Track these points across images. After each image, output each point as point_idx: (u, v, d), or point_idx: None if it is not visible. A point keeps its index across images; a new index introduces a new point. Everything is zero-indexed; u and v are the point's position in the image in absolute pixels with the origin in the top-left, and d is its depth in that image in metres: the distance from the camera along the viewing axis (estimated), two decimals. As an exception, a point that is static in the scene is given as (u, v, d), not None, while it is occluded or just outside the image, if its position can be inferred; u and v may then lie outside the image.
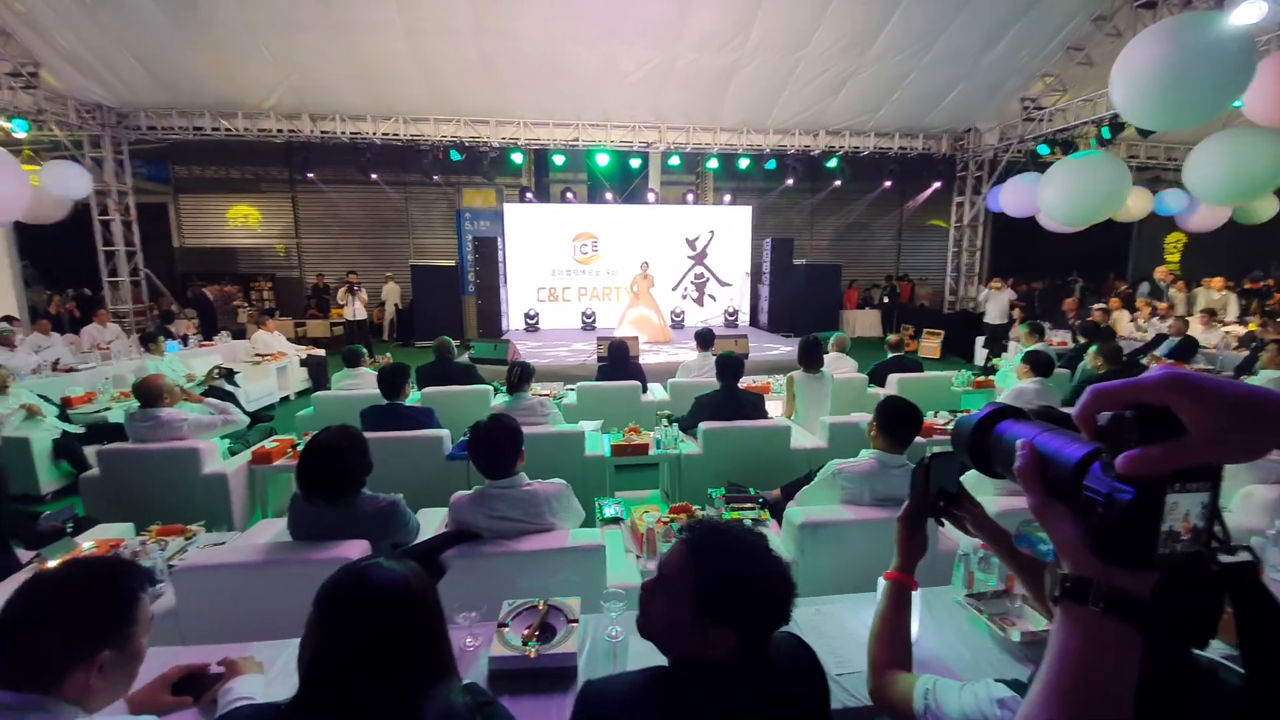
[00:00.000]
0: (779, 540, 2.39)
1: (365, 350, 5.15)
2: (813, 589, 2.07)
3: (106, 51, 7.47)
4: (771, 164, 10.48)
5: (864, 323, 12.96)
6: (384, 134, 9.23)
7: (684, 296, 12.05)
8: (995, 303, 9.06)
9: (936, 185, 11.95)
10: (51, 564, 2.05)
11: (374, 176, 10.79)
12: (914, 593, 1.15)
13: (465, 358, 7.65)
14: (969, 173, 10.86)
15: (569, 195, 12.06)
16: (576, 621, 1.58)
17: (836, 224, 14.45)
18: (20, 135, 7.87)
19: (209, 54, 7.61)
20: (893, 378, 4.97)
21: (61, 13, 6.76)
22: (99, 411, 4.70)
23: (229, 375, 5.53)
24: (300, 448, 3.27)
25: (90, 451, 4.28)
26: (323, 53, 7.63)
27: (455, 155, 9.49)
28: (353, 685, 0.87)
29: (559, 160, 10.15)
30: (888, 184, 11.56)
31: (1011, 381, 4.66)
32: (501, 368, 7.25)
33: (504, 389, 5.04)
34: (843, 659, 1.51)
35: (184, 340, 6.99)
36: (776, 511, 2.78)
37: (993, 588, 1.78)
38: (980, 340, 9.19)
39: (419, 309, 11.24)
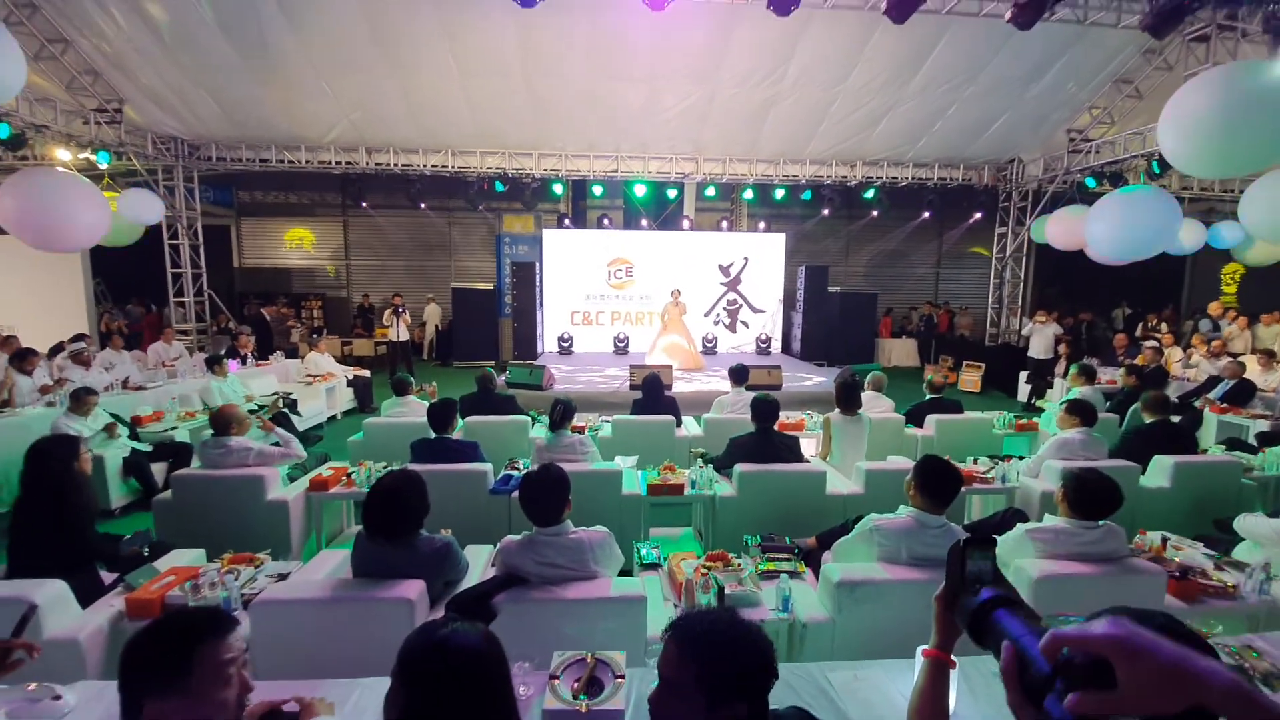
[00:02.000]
0: (815, 594, 2.41)
1: (411, 378, 5.37)
2: (850, 652, 2.10)
3: (184, 89, 8.08)
4: (807, 195, 10.54)
5: (900, 352, 12.75)
6: (433, 165, 9.67)
7: (716, 322, 12.11)
8: (1040, 337, 8.83)
9: (977, 216, 11.80)
10: (146, 586, 2.24)
11: (422, 205, 11.28)
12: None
13: (501, 380, 7.89)
14: (1012, 203, 10.69)
15: (605, 221, 12.34)
16: (623, 677, 1.65)
17: (873, 251, 14.31)
18: (103, 166, 8.55)
19: (276, 92, 8.17)
20: (931, 419, 4.91)
21: (145, 53, 7.36)
22: (166, 430, 5.02)
23: (293, 405, 5.83)
24: (354, 475, 3.46)
25: (157, 469, 4.60)
26: (380, 91, 8.10)
27: (499, 186, 9.87)
28: None
29: (597, 190, 10.44)
30: (926, 215, 11.46)
31: (1056, 427, 4.55)
32: (537, 393, 7.49)
33: (541, 418, 5.22)
34: (883, 730, 1.54)
35: (242, 360, 7.39)
36: (812, 561, 2.80)
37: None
38: (1024, 375, 8.95)
39: (458, 330, 11.60)
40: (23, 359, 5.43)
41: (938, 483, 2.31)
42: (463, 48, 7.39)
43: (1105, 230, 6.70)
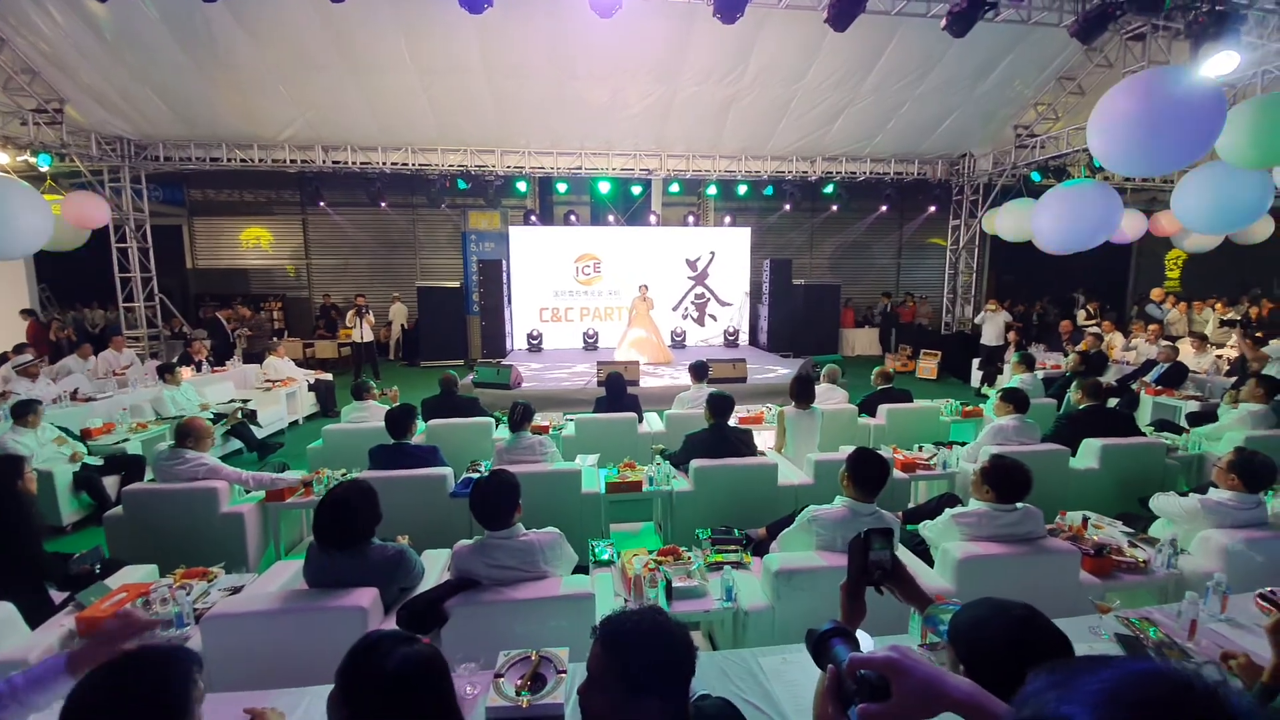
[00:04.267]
0: (758, 583, 2.54)
1: (373, 382, 5.34)
2: (788, 636, 2.23)
3: (128, 87, 7.78)
4: (770, 190, 10.72)
5: (863, 341, 13.12)
6: (393, 163, 9.52)
7: (685, 316, 12.25)
8: (991, 324, 9.20)
9: (932, 210, 12.18)
10: (97, 604, 2.23)
11: (383, 205, 11.08)
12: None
13: (469, 379, 7.86)
14: (965, 196, 11.05)
15: (572, 218, 12.33)
16: (565, 672, 1.74)
17: (836, 244, 14.65)
18: (44, 169, 8.19)
19: (228, 91, 7.93)
20: (883, 408, 5.12)
21: (86, 51, 7.07)
22: (118, 443, 4.88)
23: (252, 416, 5.73)
24: (313, 485, 3.46)
25: (110, 483, 4.49)
26: (338, 90, 7.93)
27: (462, 184, 9.78)
28: None
29: (562, 187, 10.41)
30: (884, 208, 11.77)
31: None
32: (503, 392, 7.49)
33: (505, 419, 5.25)
34: (804, 707, 1.66)
35: (198, 366, 7.21)
36: (761, 550, 2.93)
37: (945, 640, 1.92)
38: (976, 362, 9.32)
39: (424, 329, 11.48)
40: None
41: (865, 472, 2.45)
42: (421, 47, 7.29)
43: (1049, 223, 7.00)
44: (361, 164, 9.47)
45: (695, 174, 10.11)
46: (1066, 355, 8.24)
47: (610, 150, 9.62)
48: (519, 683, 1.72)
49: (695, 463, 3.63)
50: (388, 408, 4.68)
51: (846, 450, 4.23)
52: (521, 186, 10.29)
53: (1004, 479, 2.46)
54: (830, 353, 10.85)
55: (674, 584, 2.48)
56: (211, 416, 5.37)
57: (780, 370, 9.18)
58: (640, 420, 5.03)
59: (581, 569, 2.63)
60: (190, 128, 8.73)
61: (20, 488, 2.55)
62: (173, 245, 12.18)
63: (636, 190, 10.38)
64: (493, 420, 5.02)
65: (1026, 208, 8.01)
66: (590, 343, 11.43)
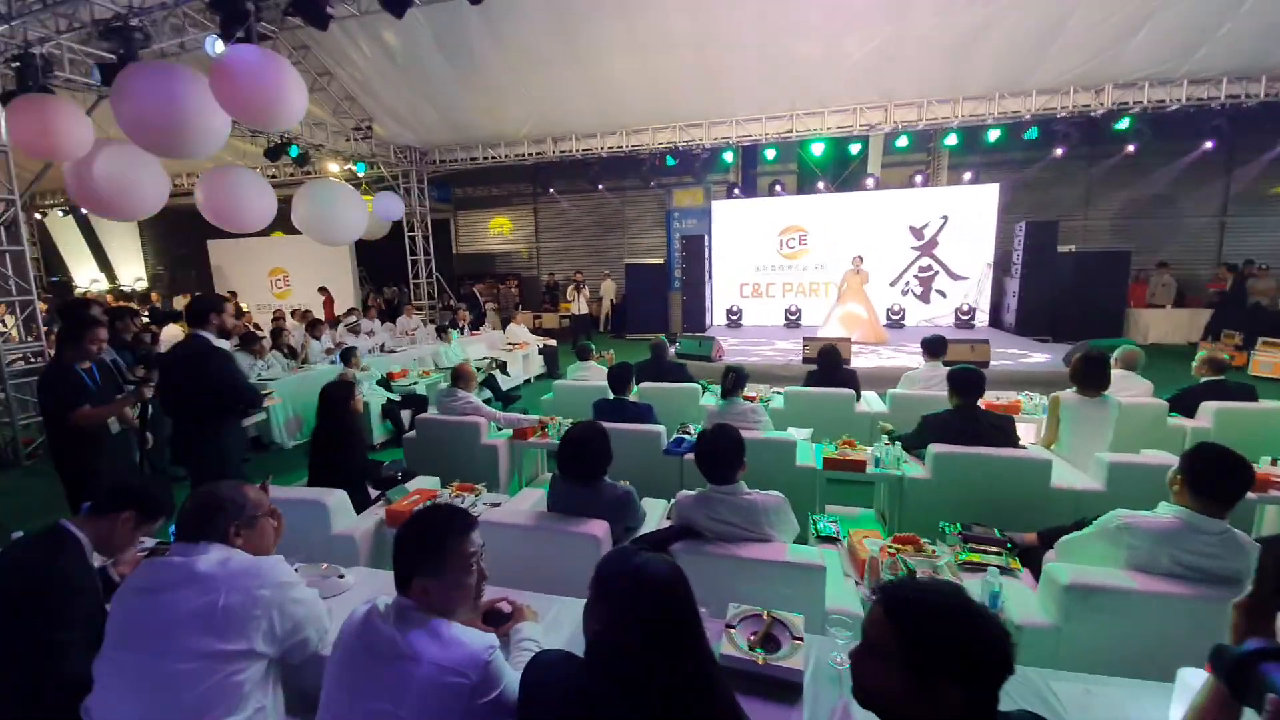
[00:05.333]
0: (1034, 596, 2.08)
1: (592, 345, 5.82)
2: (1075, 663, 1.77)
3: (414, 104, 9.61)
4: (1032, 133, 8.80)
5: (1162, 326, 10.12)
6: (609, 148, 10.18)
7: (905, 292, 10.90)
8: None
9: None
10: (400, 501, 2.82)
11: (600, 186, 12.00)
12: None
13: (672, 352, 8.15)
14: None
15: (777, 188, 11.81)
16: (802, 640, 1.61)
17: (1126, 199, 11.37)
18: (361, 175, 10.65)
19: (479, 96, 9.28)
20: (1208, 408, 3.83)
21: (385, 76, 8.89)
22: (410, 385, 6.21)
23: (502, 367, 6.81)
24: (548, 429, 3.88)
25: (405, 415, 5.70)
26: (563, 82, 8.72)
27: (670, 160, 10.02)
28: (630, 659, 1.06)
29: (771, 153, 9.99)
30: (1208, 145, 8.81)
31: None
32: (706, 364, 7.56)
33: (711, 387, 5.27)
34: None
35: (460, 330, 8.76)
36: (1030, 559, 2.41)
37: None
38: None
39: (631, 304, 12.23)
40: (314, 328, 7.11)
41: (1217, 477, 1.80)
42: (636, 28, 7.57)
43: None
44: (583, 151, 10.33)
45: (930, 123, 8.79)
46: None
47: (825, 108, 8.89)
48: (751, 638, 1.65)
49: (936, 448, 3.15)
50: (605, 368, 5.04)
51: (1153, 455, 3.27)
52: (728, 157, 10.16)
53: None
54: (1111, 337, 8.62)
55: (918, 574, 2.17)
56: (477, 367, 6.48)
57: (1036, 357, 7.60)
58: (858, 399, 4.59)
59: (799, 542, 2.47)
60: (456, 133, 10.47)
61: (352, 406, 3.29)
62: (443, 235, 14.94)
63: (855, 149, 9.43)
64: (700, 387, 5.07)
65: None
66: (792, 319, 10.91)
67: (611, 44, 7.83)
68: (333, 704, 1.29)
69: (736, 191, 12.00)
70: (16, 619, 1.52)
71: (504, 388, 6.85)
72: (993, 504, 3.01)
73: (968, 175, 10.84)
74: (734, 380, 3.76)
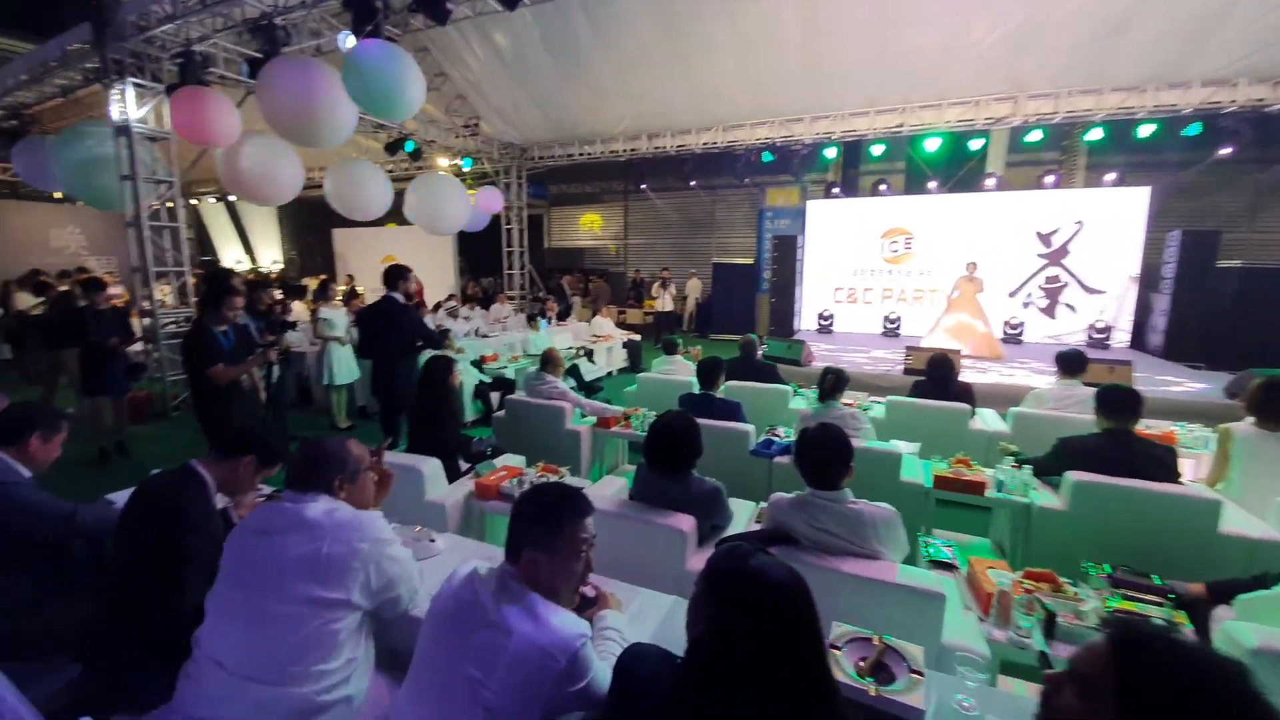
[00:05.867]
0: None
1: (678, 340, 5.71)
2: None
3: (519, 103, 9.96)
4: (1194, 129, 7.64)
5: (1351, 356, 8.46)
6: (705, 144, 10.02)
7: (1026, 304, 9.84)
8: None
9: None
10: (488, 475, 2.85)
11: (693, 183, 11.87)
12: None
13: (759, 354, 7.87)
14: None
15: (882, 187, 11.09)
16: (922, 675, 1.40)
17: (1306, 206, 9.73)
18: (466, 170, 11.21)
19: (581, 94, 9.44)
20: None
21: (494, 77, 9.25)
22: (500, 368, 6.43)
23: (589, 355, 6.89)
24: (632, 420, 3.81)
25: (494, 397, 5.87)
26: (662, 78, 8.65)
27: (767, 156, 9.69)
28: (738, 670, 0.93)
29: (876, 150, 9.38)
30: None
31: None
32: (795, 368, 7.21)
33: (802, 390, 4.98)
34: None
35: (548, 320, 8.98)
36: (1195, 613, 2.01)
37: None
38: None
39: (716, 304, 12.00)
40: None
41: None
42: (743, 23, 7.35)
43: None
44: (677, 147, 10.24)
45: (1069, 116, 7.84)
46: None
47: (943, 100, 8.20)
48: (860, 664, 1.46)
49: (1076, 476, 2.73)
50: (690, 364, 4.90)
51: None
52: (830, 153, 9.65)
53: None
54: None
55: (1058, 619, 1.87)
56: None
57: (1188, 385, 6.56)
58: (973, 414, 4.14)
59: (906, 563, 2.21)
60: (555, 131, 10.74)
61: (450, 381, 3.39)
62: (536, 229, 15.46)
63: (976, 146, 8.62)
64: (790, 389, 4.81)
65: None
66: (891, 328, 10.20)
67: (715, 39, 7.67)
68: (425, 661, 1.28)
69: (836, 190, 11.41)
70: (147, 550, 1.63)
71: (588, 377, 6.91)
72: (1143, 546, 2.58)
73: (1110, 176, 9.57)
74: (834, 381, 3.50)
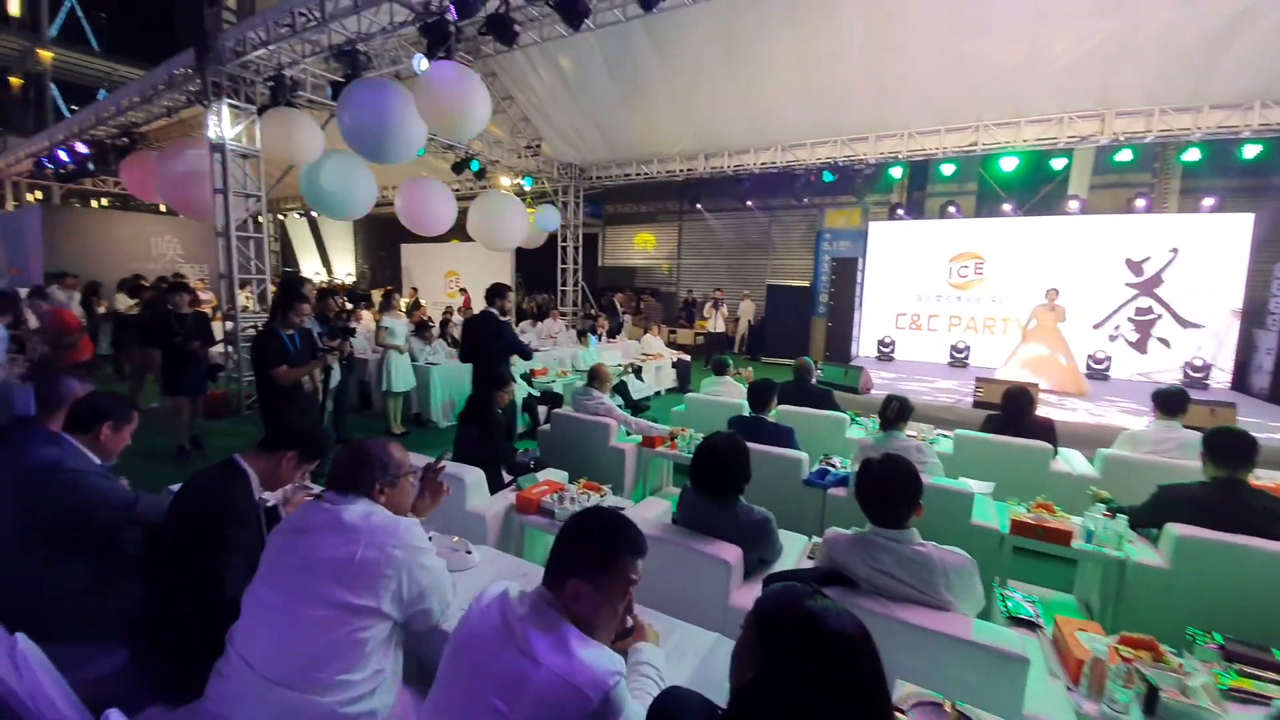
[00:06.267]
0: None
1: (729, 361, 5.55)
2: None
3: (579, 124, 10.18)
4: (1311, 147, 6.89)
5: None
6: (763, 164, 9.89)
7: (1113, 338, 9.06)
8: None
9: None
10: (529, 489, 2.79)
11: (749, 203, 11.75)
12: None
13: (814, 380, 7.57)
14: None
15: (951, 209, 10.59)
16: (1005, 750, 1.20)
17: None
18: (527, 189, 11.54)
19: (639, 114, 9.55)
20: None
21: (557, 100, 9.51)
22: (549, 382, 6.46)
23: (637, 372, 6.85)
24: (678, 441, 3.68)
25: (541, 410, 5.88)
26: (721, 97, 8.63)
27: (828, 176, 9.45)
28: None
29: (947, 170, 8.97)
30: None
31: None
32: (852, 395, 6.87)
33: (858, 419, 4.70)
34: None
35: (599, 337, 9.00)
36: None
37: None
38: None
39: (769, 326, 11.71)
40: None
41: None
42: (806, 39, 7.24)
43: None
44: (735, 167, 10.15)
45: (1163, 135, 7.24)
46: None
47: (1022, 117, 7.76)
48: (928, 729, 1.27)
49: (1179, 529, 2.40)
50: (742, 386, 4.73)
51: None
52: (896, 173, 9.31)
53: None
54: None
55: (1161, 694, 1.60)
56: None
57: (1303, 429, 5.80)
58: (1055, 454, 3.77)
59: (980, 617, 1.97)
60: (613, 151, 10.91)
61: (501, 399, 3.40)
62: (591, 247, 15.70)
63: (1058, 166, 8.08)
64: (847, 417, 4.55)
65: None
66: (959, 357, 9.61)
67: (778, 56, 7.59)
68: (447, 684, 1.21)
69: (900, 212, 10.97)
70: (189, 539, 1.65)
71: (635, 395, 6.83)
72: (1258, 613, 2.26)
73: (1208, 201, 8.77)
74: (898, 409, 3.26)
